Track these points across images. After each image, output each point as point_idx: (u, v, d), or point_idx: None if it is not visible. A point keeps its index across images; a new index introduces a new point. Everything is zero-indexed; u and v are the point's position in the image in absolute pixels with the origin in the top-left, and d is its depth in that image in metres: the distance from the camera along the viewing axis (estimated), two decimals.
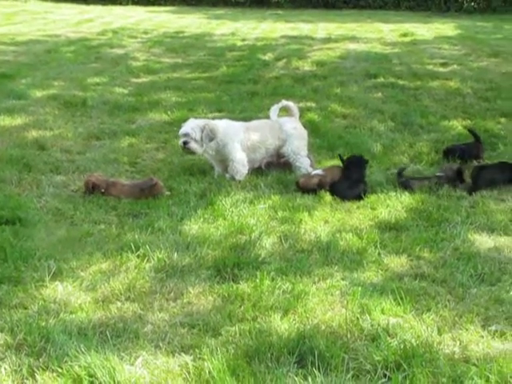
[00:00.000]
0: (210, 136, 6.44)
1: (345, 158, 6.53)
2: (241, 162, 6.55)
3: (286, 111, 7.10)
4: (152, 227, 5.36)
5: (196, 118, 6.85)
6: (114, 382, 3.40)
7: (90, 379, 3.41)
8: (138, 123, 8.75)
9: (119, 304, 4.23)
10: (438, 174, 6.47)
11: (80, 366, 3.47)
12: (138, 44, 15.74)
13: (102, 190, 6.06)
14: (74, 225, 5.49)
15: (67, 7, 24.47)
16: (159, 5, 26.38)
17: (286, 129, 6.80)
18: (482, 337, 3.87)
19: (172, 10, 25.29)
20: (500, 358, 3.62)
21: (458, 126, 8.63)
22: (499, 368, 3.50)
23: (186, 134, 6.48)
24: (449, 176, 6.37)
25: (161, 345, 3.77)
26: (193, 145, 6.48)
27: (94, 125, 8.57)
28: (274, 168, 6.86)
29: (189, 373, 3.51)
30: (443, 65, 13.05)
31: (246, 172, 6.58)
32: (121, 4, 26.28)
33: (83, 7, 24.84)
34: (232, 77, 11.78)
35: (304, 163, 6.77)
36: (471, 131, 7.46)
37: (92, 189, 6.07)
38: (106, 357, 3.55)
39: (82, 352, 3.56)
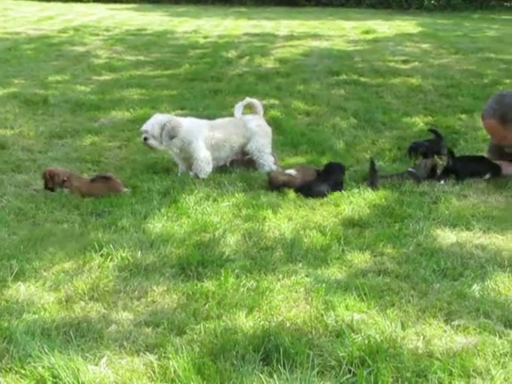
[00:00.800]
0: (171, 134, 6.41)
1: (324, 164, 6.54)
2: (205, 160, 6.53)
3: (250, 109, 7.10)
4: (115, 226, 5.33)
5: (162, 113, 6.79)
6: (78, 382, 3.36)
7: (54, 380, 3.37)
8: (100, 121, 8.69)
9: (83, 304, 4.19)
10: (409, 169, 6.51)
11: (43, 367, 3.42)
12: (99, 42, 15.63)
13: (64, 178, 6.02)
14: (37, 224, 5.43)
15: (27, 4, 24.19)
16: (121, 2, 26.23)
17: (250, 126, 6.80)
18: (445, 331, 3.90)
19: (134, 7, 25.19)
20: (463, 352, 3.65)
21: (419, 122, 8.71)
22: (462, 362, 3.53)
23: (145, 131, 6.48)
24: (422, 173, 6.41)
25: (125, 344, 3.74)
26: (152, 141, 6.48)
27: (56, 123, 8.49)
28: (238, 166, 6.85)
29: (154, 372, 3.49)
30: (405, 62, 13.16)
31: (210, 170, 6.57)
32: (82, 1, 26.08)
33: (44, 4, 24.61)
34: (195, 74, 11.76)
35: (268, 160, 6.78)
36: (433, 131, 7.52)
37: (51, 179, 6.02)
38: (70, 357, 3.51)
39: (46, 353, 3.51)
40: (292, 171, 6.35)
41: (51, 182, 6.05)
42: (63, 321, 3.97)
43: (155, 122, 6.47)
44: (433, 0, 27.51)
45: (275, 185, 6.19)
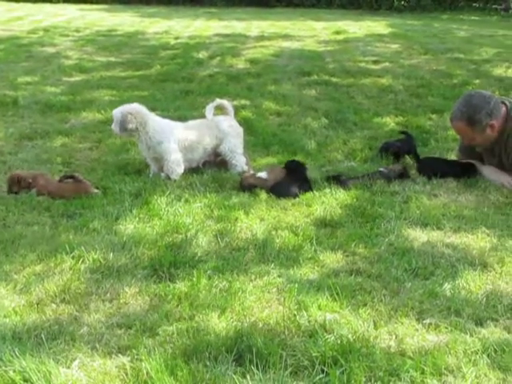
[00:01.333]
0: (122, 125, 6.45)
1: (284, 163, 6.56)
2: (175, 162, 6.51)
3: (220, 110, 7.09)
4: (87, 228, 5.30)
5: (133, 105, 6.71)
6: None
7: None
8: (71, 123, 8.63)
9: (54, 306, 4.16)
10: (381, 169, 6.55)
11: (15, 371, 3.39)
12: (70, 42, 15.53)
13: (30, 181, 5.98)
14: (7, 227, 5.38)
15: None
16: (91, 3, 26.10)
17: (222, 127, 6.80)
18: (417, 330, 3.93)
19: (105, 8, 25.08)
20: (434, 350, 3.68)
21: (390, 122, 8.75)
22: (434, 360, 3.56)
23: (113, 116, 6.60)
24: (392, 174, 6.46)
25: (97, 346, 3.72)
26: (113, 127, 6.58)
27: (26, 125, 8.42)
28: (210, 167, 6.85)
29: (126, 374, 3.47)
30: (375, 62, 13.22)
31: (182, 172, 6.55)
32: (51, 2, 25.90)
33: (12, 4, 24.44)
34: (166, 75, 11.72)
35: (240, 161, 6.78)
36: (403, 132, 7.57)
37: (18, 182, 5.98)
38: (42, 360, 3.48)
39: (17, 356, 3.48)
40: (263, 174, 6.35)
41: (17, 186, 6.00)
42: (34, 324, 3.94)
43: (120, 110, 6.51)
44: (402, 1, 27.73)
45: (246, 187, 6.19)
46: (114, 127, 6.49)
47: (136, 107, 6.53)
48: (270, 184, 6.20)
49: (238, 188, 6.24)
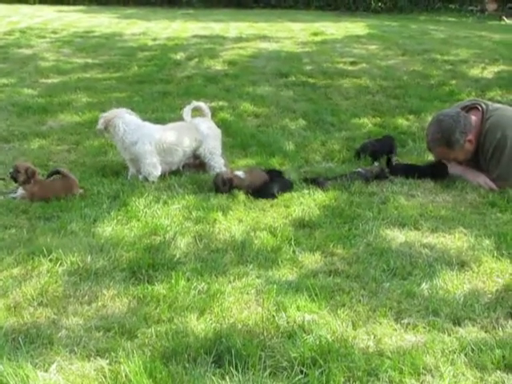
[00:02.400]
0: (102, 127, 6.54)
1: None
2: (151, 164, 6.49)
3: (197, 112, 7.08)
4: (64, 230, 5.27)
5: (109, 112, 6.72)
6: None
7: None
8: (48, 125, 8.59)
9: (32, 309, 4.13)
10: (359, 170, 6.58)
11: None
12: (46, 44, 15.43)
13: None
14: None
15: None
16: (68, 4, 25.97)
17: (201, 129, 6.79)
18: (395, 330, 3.95)
19: (82, 9, 24.98)
20: (413, 350, 3.70)
21: (368, 123, 8.80)
22: (412, 360, 3.58)
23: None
24: (367, 175, 6.48)
25: (76, 349, 3.70)
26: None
27: (3, 127, 8.36)
28: (189, 169, 6.85)
29: (105, 377, 3.45)
30: (353, 63, 13.25)
31: (159, 174, 6.53)
32: (27, 3, 25.75)
33: None
34: (143, 77, 11.70)
35: (219, 163, 6.79)
36: (386, 136, 7.61)
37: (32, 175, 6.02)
38: (19, 364, 3.46)
39: None
40: (240, 173, 6.35)
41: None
42: (12, 327, 3.91)
43: (103, 115, 6.62)
44: (380, 2, 27.86)
45: (221, 182, 6.18)
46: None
47: (112, 112, 6.65)
48: (246, 184, 6.20)
49: (213, 188, 6.22)
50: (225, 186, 6.15)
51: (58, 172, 6.17)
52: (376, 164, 6.85)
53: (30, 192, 5.98)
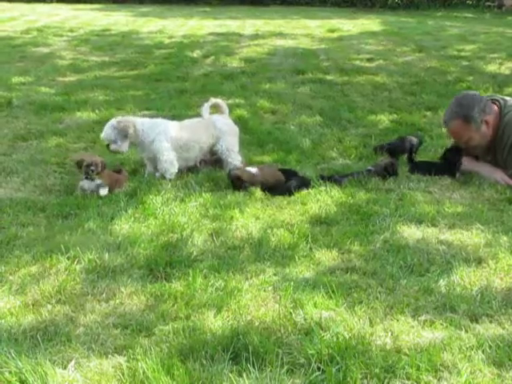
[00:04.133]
0: (123, 134, 6.46)
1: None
2: (168, 161, 6.52)
3: (215, 109, 7.09)
4: (82, 228, 5.30)
5: (116, 117, 6.73)
6: None
7: None
8: (65, 123, 8.62)
9: (50, 307, 4.15)
10: (369, 168, 6.56)
11: (10, 372, 3.39)
12: (64, 42, 15.51)
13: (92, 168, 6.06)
14: (2, 228, 5.37)
15: None
16: (85, 2, 26.05)
17: (219, 126, 6.81)
18: (413, 327, 3.93)
19: (98, 7, 25.04)
20: (430, 346, 3.69)
21: (385, 120, 8.78)
22: (429, 356, 3.57)
23: (104, 139, 6.57)
24: (378, 171, 6.46)
25: (93, 347, 3.72)
26: (114, 146, 6.53)
27: (21, 125, 8.41)
28: (206, 165, 6.86)
29: (123, 374, 3.47)
30: (369, 60, 13.25)
31: (176, 171, 6.56)
32: (45, 2, 25.86)
33: (5, 5, 24.36)
34: (160, 75, 11.73)
35: (236, 159, 6.79)
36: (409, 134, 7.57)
37: (89, 167, 6.07)
38: (38, 361, 3.48)
39: (13, 357, 3.47)
40: (253, 169, 6.35)
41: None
42: (30, 325, 3.93)
43: (108, 127, 6.53)
44: None
45: (232, 178, 6.21)
46: (116, 141, 6.51)
47: (118, 118, 6.65)
48: (259, 180, 6.21)
49: (230, 185, 6.24)
50: (237, 182, 6.17)
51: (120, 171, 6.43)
52: (384, 158, 6.83)
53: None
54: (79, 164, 6.11)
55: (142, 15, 22.15)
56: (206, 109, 6.87)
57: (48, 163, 6.96)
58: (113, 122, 6.54)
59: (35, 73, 11.82)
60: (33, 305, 4.18)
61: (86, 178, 6.06)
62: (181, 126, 6.77)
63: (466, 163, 6.63)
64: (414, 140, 7.20)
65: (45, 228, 5.35)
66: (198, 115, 6.96)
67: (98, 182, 6.05)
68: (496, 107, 6.48)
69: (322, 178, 6.38)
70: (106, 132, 6.49)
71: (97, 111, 9.00)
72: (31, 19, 20.16)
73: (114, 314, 4.08)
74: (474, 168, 6.64)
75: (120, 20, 20.59)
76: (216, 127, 6.79)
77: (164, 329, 3.87)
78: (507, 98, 6.67)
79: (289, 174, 6.40)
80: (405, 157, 6.96)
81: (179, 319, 4.00)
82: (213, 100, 7.01)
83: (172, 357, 3.57)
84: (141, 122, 6.60)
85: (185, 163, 6.70)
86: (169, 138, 6.56)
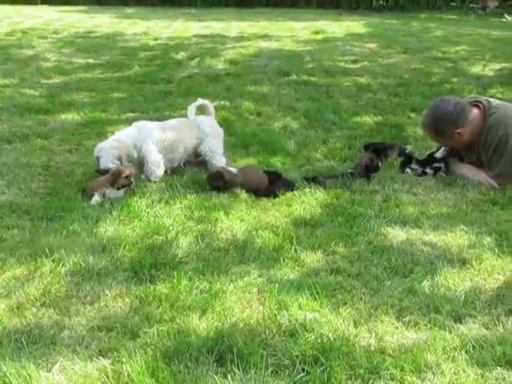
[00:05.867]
0: (130, 159, 6.41)
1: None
2: (155, 163, 6.50)
3: (201, 110, 7.10)
4: (67, 231, 5.28)
5: (101, 141, 6.67)
6: None
7: None
8: (50, 125, 8.58)
9: (34, 310, 4.15)
10: (349, 170, 6.58)
11: None
12: (48, 44, 15.42)
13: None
14: None
15: None
16: (69, 4, 25.95)
17: (203, 127, 6.82)
18: (397, 328, 3.96)
19: (83, 9, 24.91)
20: (414, 347, 3.71)
21: (369, 121, 8.81)
22: (413, 357, 3.59)
23: (106, 169, 6.32)
24: (360, 172, 6.49)
25: (78, 350, 3.72)
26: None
27: (5, 128, 8.35)
28: (191, 167, 6.87)
29: (107, 377, 3.47)
30: (354, 62, 13.26)
31: (162, 173, 6.54)
32: (29, 4, 25.73)
33: None
34: (145, 76, 11.70)
35: (220, 161, 6.80)
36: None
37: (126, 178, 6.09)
38: (22, 365, 3.48)
39: None
40: (233, 169, 6.36)
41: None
42: (14, 328, 3.93)
43: (109, 159, 6.32)
44: (381, 0, 27.82)
45: (211, 178, 6.25)
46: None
47: (114, 145, 6.44)
48: (239, 180, 6.21)
49: (208, 184, 6.28)
50: (216, 180, 6.17)
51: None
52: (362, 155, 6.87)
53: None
54: (115, 174, 6.08)
55: (126, 17, 22.09)
56: (191, 109, 6.87)
57: (33, 166, 6.92)
58: (112, 152, 6.34)
59: (19, 75, 11.76)
60: (17, 308, 4.17)
61: (118, 188, 6.07)
62: (164, 126, 6.75)
63: (452, 165, 6.70)
64: (407, 148, 7.29)
65: (29, 231, 5.33)
66: (184, 117, 6.96)
67: (122, 191, 6.10)
68: (478, 110, 6.53)
69: (307, 179, 6.39)
70: (112, 162, 6.31)
71: (82, 113, 8.97)
72: (15, 21, 20.05)
73: (99, 317, 4.08)
74: (458, 169, 6.70)
75: (105, 22, 20.52)
76: (200, 128, 6.80)
77: (149, 331, 3.88)
78: (491, 100, 6.73)
79: (273, 177, 6.40)
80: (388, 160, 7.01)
81: (164, 321, 4.00)
82: (200, 101, 7.02)
83: (157, 359, 3.58)
84: (128, 136, 6.54)
85: (169, 164, 6.70)
86: (154, 140, 6.54)
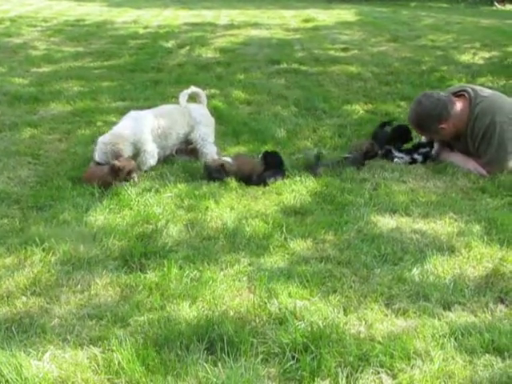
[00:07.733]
0: (115, 155, 6.25)
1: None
2: (151, 153, 6.46)
3: (193, 98, 7.09)
4: (57, 220, 5.28)
5: (103, 137, 6.60)
6: (21, 378, 3.33)
7: None
8: (39, 114, 8.56)
9: (25, 299, 4.15)
10: (347, 155, 6.60)
11: None
12: (37, 33, 15.36)
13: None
14: None
15: None
16: None
17: (194, 115, 6.81)
18: (386, 315, 3.98)
19: None
20: (403, 334, 3.74)
21: (359, 110, 8.81)
22: (402, 344, 3.62)
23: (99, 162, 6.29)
24: (358, 158, 6.52)
25: (69, 338, 3.73)
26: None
27: None
28: (182, 155, 6.85)
29: (98, 365, 3.48)
30: (344, 50, 13.26)
31: (154, 164, 6.48)
32: None
33: None
34: (135, 65, 11.67)
35: (211, 149, 6.79)
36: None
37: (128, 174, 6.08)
38: (12, 353, 3.48)
39: None
40: (228, 159, 6.36)
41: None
42: (5, 317, 3.93)
43: (101, 152, 6.25)
44: None
45: (214, 170, 6.20)
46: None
47: (106, 138, 6.34)
48: (234, 169, 6.21)
49: (205, 176, 6.24)
50: (218, 172, 6.17)
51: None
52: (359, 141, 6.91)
53: None
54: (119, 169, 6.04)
55: (116, 5, 22.00)
56: (183, 96, 6.84)
57: (22, 155, 6.91)
58: (100, 145, 6.29)
59: (8, 63, 11.71)
60: (7, 297, 4.17)
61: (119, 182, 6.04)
62: (156, 113, 6.70)
63: (441, 154, 6.73)
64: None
65: (19, 220, 5.32)
66: (175, 104, 6.94)
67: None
68: (462, 101, 6.55)
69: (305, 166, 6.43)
70: (100, 157, 6.26)
71: (71, 102, 8.95)
72: (4, 9, 19.94)
73: (89, 305, 4.09)
74: (447, 158, 6.72)
75: (94, 10, 20.44)
76: (191, 116, 6.78)
77: (139, 319, 3.89)
78: (478, 88, 6.73)
79: (271, 157, 6.40)
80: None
81: (154, 310, 4.01)
82: (193, 88, 7.00)
83: (147, 347, 3.59)
84: (127, 128, 6.45)
85: (163, 152, 6.66)
86: (149, 129, 6.50)
